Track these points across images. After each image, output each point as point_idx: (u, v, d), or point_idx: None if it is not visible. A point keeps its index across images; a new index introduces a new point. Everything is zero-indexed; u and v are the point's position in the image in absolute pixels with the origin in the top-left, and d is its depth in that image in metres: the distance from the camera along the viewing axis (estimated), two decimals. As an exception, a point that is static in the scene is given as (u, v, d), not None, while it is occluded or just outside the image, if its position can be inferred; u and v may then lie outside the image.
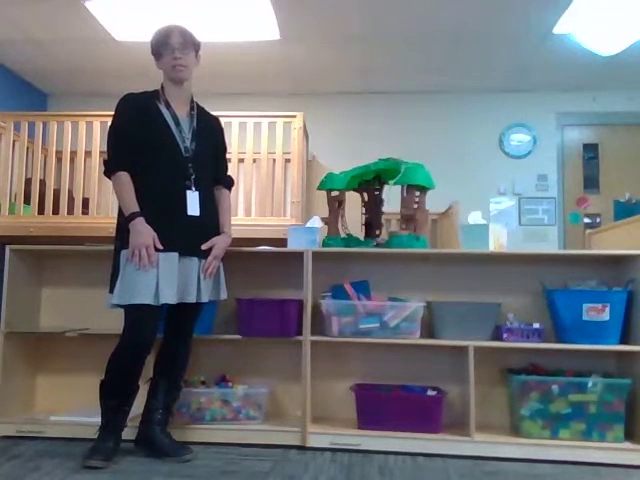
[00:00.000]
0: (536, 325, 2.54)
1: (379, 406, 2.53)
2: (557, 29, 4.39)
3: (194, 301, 2.30)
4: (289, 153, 4.30)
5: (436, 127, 5.68)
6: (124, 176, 2.26)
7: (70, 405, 2.74)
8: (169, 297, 2.20)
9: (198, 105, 2.47)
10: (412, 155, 3.03)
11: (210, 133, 2.47)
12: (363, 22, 4.35)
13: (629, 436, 2.41)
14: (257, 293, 2.75)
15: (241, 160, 4.34)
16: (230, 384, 2.67)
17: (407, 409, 2.51)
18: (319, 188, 2.85)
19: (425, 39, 4.63)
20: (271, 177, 4.32)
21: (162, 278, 2.18)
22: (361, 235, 2.85)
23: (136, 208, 2.23)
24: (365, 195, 2.87)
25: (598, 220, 5.49)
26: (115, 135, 2.32)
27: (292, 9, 4.16)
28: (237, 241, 2.50)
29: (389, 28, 4.43)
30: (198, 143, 2.37)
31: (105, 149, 2.36)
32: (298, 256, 2.61)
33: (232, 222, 2.52)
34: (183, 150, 2.32)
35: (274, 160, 4.34)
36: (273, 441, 2.50)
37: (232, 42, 4.68)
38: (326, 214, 2.84)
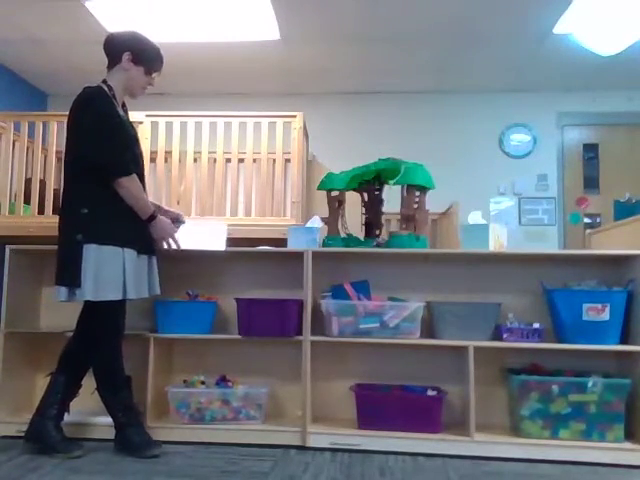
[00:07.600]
0: (536, 325, 2.54)
1: (379, 406, 2.53)
2: (557, 29, 4.38)
3: (147, 295, 2.42)
4: (289, 153, 4.29)
5: (436, 127, 5.67)
6: (136, 176, 2.37)
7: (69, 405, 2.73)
8: (134, 293, 2.32)
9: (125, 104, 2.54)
10: (412, 155, 3.03)
11: None
12: (363, 22, 4.34)
13: (629, 436, 2.41)
14: (257, 293, 2.75)
15: (241, 160, 4.34)
16: (230, 384, 2.67)
17: (407, 409, 2.51)
18: (319, 188, 2.85)
19: (425, 39, 4.62)
20: (271, 177, 4.31)
21: (129, 274, 2.29)
22: (361, 235, 2.85)
23: (152, 207, 2.40)
24: (365, 195, 2.87)
25: (598, 220, 5.48)
26: (117, 136, 2.34)
27: (292, 9, 4.16)
28: (237, 241, 2.51)
29: (389, 28, 4.43)
30: (138, 146, 2.51)
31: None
32: (298, 256, 2.61)
33: (233, 222, 2.53)
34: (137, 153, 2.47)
35: (274, 160, 4.33)
36: (273, 441, 2.50)
37: (232, 42, 4.67)
38: (326, 214, 2.84)
